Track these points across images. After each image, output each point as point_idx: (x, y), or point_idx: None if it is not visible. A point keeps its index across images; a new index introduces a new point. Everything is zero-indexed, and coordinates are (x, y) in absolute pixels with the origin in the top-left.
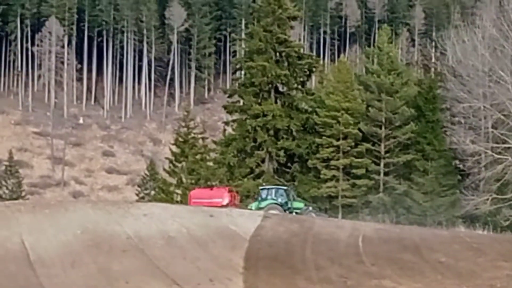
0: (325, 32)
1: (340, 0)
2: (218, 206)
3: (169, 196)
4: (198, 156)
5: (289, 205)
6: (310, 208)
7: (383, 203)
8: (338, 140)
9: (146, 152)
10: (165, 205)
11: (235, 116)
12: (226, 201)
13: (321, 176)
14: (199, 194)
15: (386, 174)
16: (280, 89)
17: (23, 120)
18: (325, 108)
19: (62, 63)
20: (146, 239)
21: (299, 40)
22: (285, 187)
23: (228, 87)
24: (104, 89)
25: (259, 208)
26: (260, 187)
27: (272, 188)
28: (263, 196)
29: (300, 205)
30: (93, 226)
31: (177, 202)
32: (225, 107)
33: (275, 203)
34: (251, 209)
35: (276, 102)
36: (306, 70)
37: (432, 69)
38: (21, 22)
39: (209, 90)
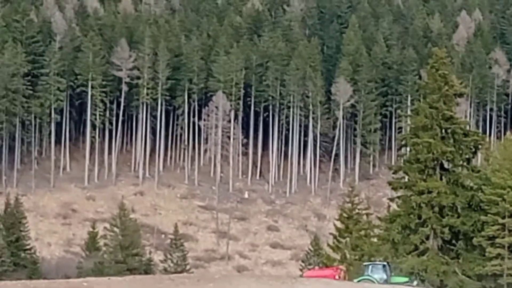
0: (491, 109)
1: (507, 77)
2: None
3: None
4: (362, 232)
5: (388, 280)
6: (415, 283)
7: None
8: (504, 218)
9: (311, 227)
10: (329, 281)
11: (400, 192)
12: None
13: (486, 254)
14: (311, 274)
15: None
16: (446, 166)
17: (189, 193)
18: (491, 186)
19: (229, 137)
20: None
21: (465, 117)
22: (383, 263)
23: (393, 163)
24: (270, 164)
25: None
26: (364, 263)
27: (370, 264)
28: (365, 271)
29: (402, 279)
30: None
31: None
32: (390, 183)
33: (368, 279)
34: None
35: (441, 179)
36: (471, 147)
37: None
38: (189, 97)
39: (374, 166)
